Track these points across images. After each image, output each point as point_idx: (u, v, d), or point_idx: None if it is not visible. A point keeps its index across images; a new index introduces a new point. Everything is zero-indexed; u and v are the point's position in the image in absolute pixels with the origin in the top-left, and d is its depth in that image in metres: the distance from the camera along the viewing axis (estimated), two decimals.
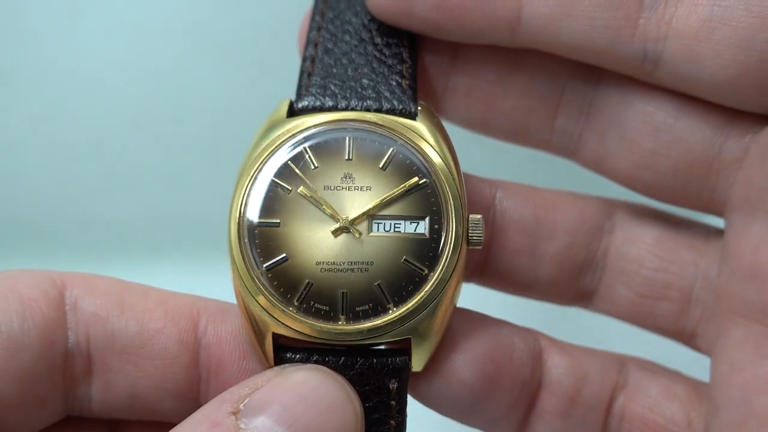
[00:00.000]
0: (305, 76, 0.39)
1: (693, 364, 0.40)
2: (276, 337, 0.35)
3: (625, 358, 0.40)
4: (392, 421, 0.36)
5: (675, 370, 0.40)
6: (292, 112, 0.38)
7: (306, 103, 0.38)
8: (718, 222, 0.40)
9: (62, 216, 0.75)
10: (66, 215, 0.75)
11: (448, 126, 0.40)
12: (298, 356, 0.35)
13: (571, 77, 0.41)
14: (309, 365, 0.35)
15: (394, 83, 0.39)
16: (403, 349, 0.36)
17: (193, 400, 0.36)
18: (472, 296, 0.40)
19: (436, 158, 0.37)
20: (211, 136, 0.73)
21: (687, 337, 0.40)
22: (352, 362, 0.35)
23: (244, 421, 0.30)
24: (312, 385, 0.32)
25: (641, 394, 0.39)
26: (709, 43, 0.35)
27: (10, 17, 0.70)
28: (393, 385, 0.36)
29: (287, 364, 0.35)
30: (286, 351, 0.36)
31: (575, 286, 0.41)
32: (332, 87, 0.39)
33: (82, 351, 0.35)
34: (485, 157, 0.48)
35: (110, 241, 0.75)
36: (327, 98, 0.38)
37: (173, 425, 0.31)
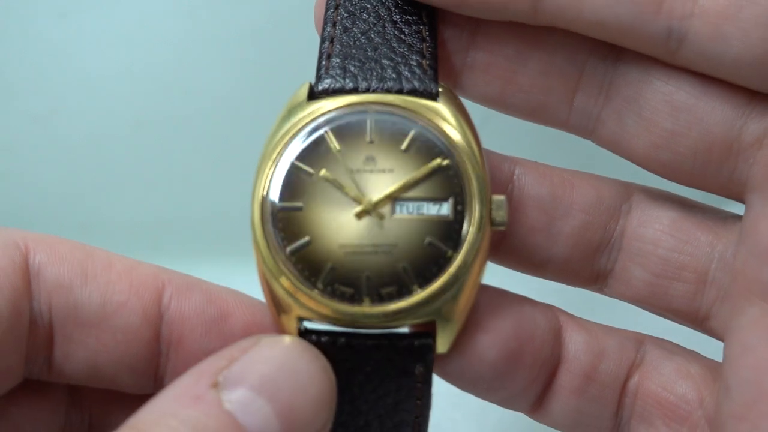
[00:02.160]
0: (324, 57, 0.39)
1: (707, 351, 0.41)
2: (300, 320, 0.36)
3: (643, 337, 0.41)
4: (418, 402, 0.37)
5: (692, 350, 0.41)
6: (312, 95, 0.38)
7: (326, 85, 0.38)
8: (736, 209, 0.40)
9: (62, 216, 0.74)
10: (66, 216, 0.74)
11: (468, 104, 0.40)
12: (324, 339, 0.35)
13: (591, 55, 0.40)
14: (284, 335, 0.35)
15: (414, 63, 0.38)
16: (428, 332, 0.36)
17: (151, 375, 0.37)
18: (489, 274, 0.40)
19: (458, 139, 0.37)
20: (215, 135, 0.73)
21: (700, 320, 0.41)
22: (378, 345, 0.35)
23: (226, 393, 0.30)
24: (290, 356, 0.32)
25: (656, 372, 0.39)
26: (737, 21, 0.35)
27: (10, 17, 0.69)
28: (419, 368, 0.36)
29: (262, 335, 0.35)
30: (311, 334, 0.36)
31: (591, 266, 0.42)
32: (352, 68, 0.38)
33: (44, 321, 0.35)
34: (503, 136, 0.48)
35: (110, 241, 0.75)
36: (347, 80, 0.38)
37: (126, 397, 0.31)
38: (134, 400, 0.34)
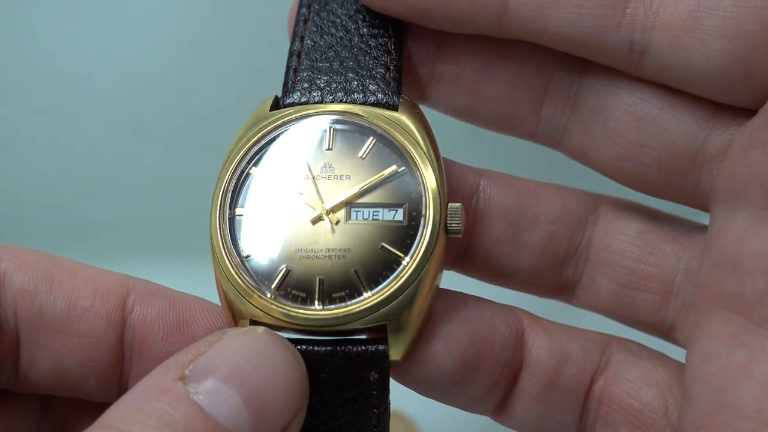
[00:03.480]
0: (291, 71, 0.40)
1: (675, 352, 0.40)
2: (253, 323, 0.36)
3: (608, 339, 0.40)
4: (375, 410, 0.36)
5: (659, 352, 0.40)
6: (278, 107, 0.39)
7: (293, 99, 0.39)
8: (700, 218, 0.40)
9: (62, 217, 0.76)
10: (65, 216, 0.76)
11: (436, 115, 0.40)
12: None
13: (558, 67, 0.41)
14: (250, 327, 0.35)
15: (378, 76, 0.39)
16: (383, 338, 0.36)
17: (116, 380, 0.37)
18: (454, 284, 0.40)
19: (415, 147, 0.37)
20: (212, 137, 0.74)
21: (666, 330, 0.40)
22: (333, 352, 0.36)
23: (193, 386, 0.30)
24: (257, 346, 0.32)
25: (621, 377, 0.39)
26: (697, 33, 0.35)
27: (10, 17, 0.71)
28: (374, 375, 0.36)
29: (229, 329, 0.35)
30: None
31: (557, 276, 0.41)
32: (319, 82, 0.39)
33: (10, 327, 0.35)
34: (470, 147, 0.48)
35: (111, 242, 0.76)
36: (313, 94, 0.39)
37: (97, 403, 0.31)
38: (105, 408, 0.34)
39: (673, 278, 0.39)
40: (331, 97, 0.39)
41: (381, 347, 0.36)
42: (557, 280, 0.42)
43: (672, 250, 0.40)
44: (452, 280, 0.39)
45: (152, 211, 0.76)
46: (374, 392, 0.37)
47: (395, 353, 0.36)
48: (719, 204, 0.37)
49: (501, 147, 0.57)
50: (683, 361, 0.38)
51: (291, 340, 0.36)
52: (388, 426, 0.39)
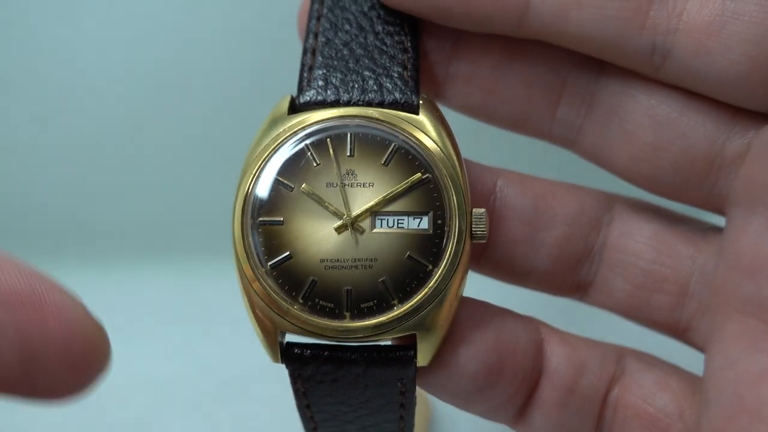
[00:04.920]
0: (306, 69, 0.38)
1: (688, 362, 0.41)
2: (282, 333, 0.36)
3: (623, 350, 0.41)
4: (401, 414, 0.37)
5: (672, 363, 0.41)
6: (294, 107, 0.38)
7: (308, 98, 0.38)
8: (715, 220, 0.40)
9: (62, 218, 0.74)
10: (66, 217, 0.74)
11: (451, 113, 0.39)
12: (308, 352, 0.36)
13: (574, 67, 0.40)
14: None
15: (395, 75, 0.38)
16: (409, 345, 0.36)
17: None
18: (471, 283, 0.40)
19: (438, 152, 0.36)
20: (213, 138, 0.72)
21: (681, 331, 0.41)
22: (361, 358, 0.36)
23: None
24: None
25: (635, 384, 0.39)
26: (720, 37, 0.35)
27: (10, 17, 0.68)
28: (401, 380, 0.36)
29: None
30: (293, 347, 0.36)
31: (572, 277, 0.42)
32: (334, 80, 0.38)
33: None
34: (486, 146, 0.48)
35: (111, 242, 0.75)
36: (329, 92, 0.38)
37: None
38: None
39: (689, 280, 0.40)
40: (347, 96, 0.38)
41: (408, 354, 0.36)
42: (572, 280, 0.42)
43: (687, 252, 0.40)
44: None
45: (152, 212, 0.75)
46: (401, 397, 0.37)
47: (423, 359, 0.36)
48: (736, 207, 0.37)
49: (506, 145, 0.57)
50: (694, 372, 0.40)
51: (320, 346, 0.36)
52: (412, 429, 0.39)
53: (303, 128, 0.37)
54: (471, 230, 0.36)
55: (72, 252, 0.72)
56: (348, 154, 0.36)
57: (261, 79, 0.67)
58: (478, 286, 0.40)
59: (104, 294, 0.66)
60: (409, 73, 0.39)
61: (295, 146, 0.36)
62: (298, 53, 0.39)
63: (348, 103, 0.37)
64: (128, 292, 0.70)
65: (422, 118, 0.37)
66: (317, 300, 0.35)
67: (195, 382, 0.64)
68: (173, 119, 0.72)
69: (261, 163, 0.36)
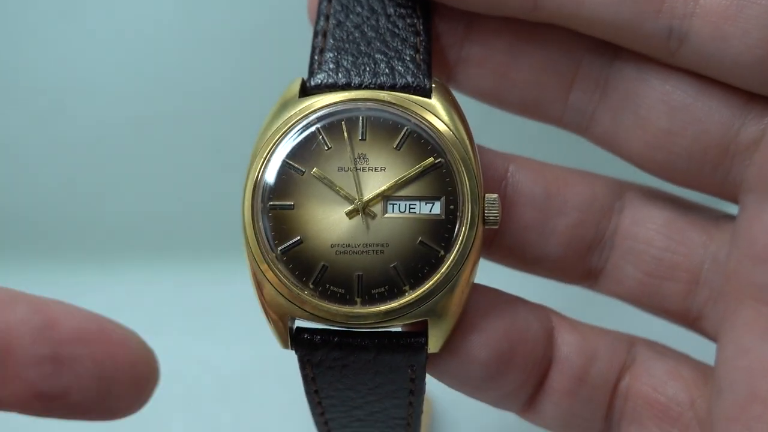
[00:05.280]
0: (317, 52, 0.38)
1: (699, 352, 0.41)
2: (292, 318, 0.35)
3: (634, 339, 0.41)
4: (411, 400, 0.37)
5: (683, 353, 0.41)
6: (305, 90, 0.37)
7: (319, 80, 0.37)
8: (728, 209, 0.40)
9: (63, 218, 0.73)
10: (66, 217, 0.74)
11: (463, 99, 0.39)
12: (318, 338, 0.35)
13: (588, 51, 0.40)
14: None
15: (407, 58, 0.38)
16: (420, 331, 0.36)
17: None
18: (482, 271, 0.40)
19: (451, 137, 0.36)
20: (214, 134, 0.72)
21: (692, 319, 0.41)
22: (371, 344, 0.35)
23: None
24: None
25: (646, 373, 0.39)
26: (738, 21, 0.34)
27: (10, 17, 0.68)
28: (411, 366, 0.36)
29: None
30: (303, 332, 0.36)
31: (583, 264, 0.41)
32: (345, 63, 0.37)
33: None
34: (498, 131, 0.48)
35: (111, 242, 0.75)
36: (340, 75, 0.37)
37: None
38: None
39: (700, 268, 0.40)
40: (358, 79, 0.37)
41: (419, 340, 0.36)
42: (582, 267, 0.42)
43: (699, 239, 0.40)
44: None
45: (152, 211, 0.74)
46: (411, 383, 0.37)
47: (434, 345, 0.36)
48: (750, 194, 0.37)
49: (518, 131, 0.56)
50: (705, 361, 0.39)
51: (329, 332, 0.35)
52: (420, 417, 0.39)
53: (314, 111, 0.36)
54: (483, 216, 0.36)
55: (72, 251, 0.72)
56: (360, 137, 0.36)
57: (263, 77, 0.67)
58: (489, 274, 0.40)
59: (104, 293, 0.66)
60: (421, 57, 0.38)
61: (305, 129, 0.36)
62: (306, 42, 0.39)
63: (359, 86, 0.37)
64: (128, 291, 0.70)
65: (434, 101, 0.37)
66: (328, 285, 0.35)
67: (195, 381, 0.63)
68: (176, 117, 0.72)
69: (271, 147, 0.36)
